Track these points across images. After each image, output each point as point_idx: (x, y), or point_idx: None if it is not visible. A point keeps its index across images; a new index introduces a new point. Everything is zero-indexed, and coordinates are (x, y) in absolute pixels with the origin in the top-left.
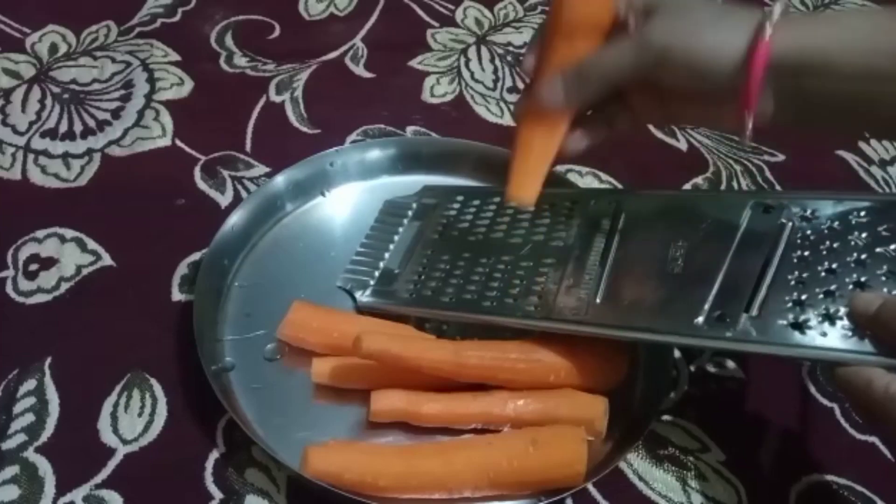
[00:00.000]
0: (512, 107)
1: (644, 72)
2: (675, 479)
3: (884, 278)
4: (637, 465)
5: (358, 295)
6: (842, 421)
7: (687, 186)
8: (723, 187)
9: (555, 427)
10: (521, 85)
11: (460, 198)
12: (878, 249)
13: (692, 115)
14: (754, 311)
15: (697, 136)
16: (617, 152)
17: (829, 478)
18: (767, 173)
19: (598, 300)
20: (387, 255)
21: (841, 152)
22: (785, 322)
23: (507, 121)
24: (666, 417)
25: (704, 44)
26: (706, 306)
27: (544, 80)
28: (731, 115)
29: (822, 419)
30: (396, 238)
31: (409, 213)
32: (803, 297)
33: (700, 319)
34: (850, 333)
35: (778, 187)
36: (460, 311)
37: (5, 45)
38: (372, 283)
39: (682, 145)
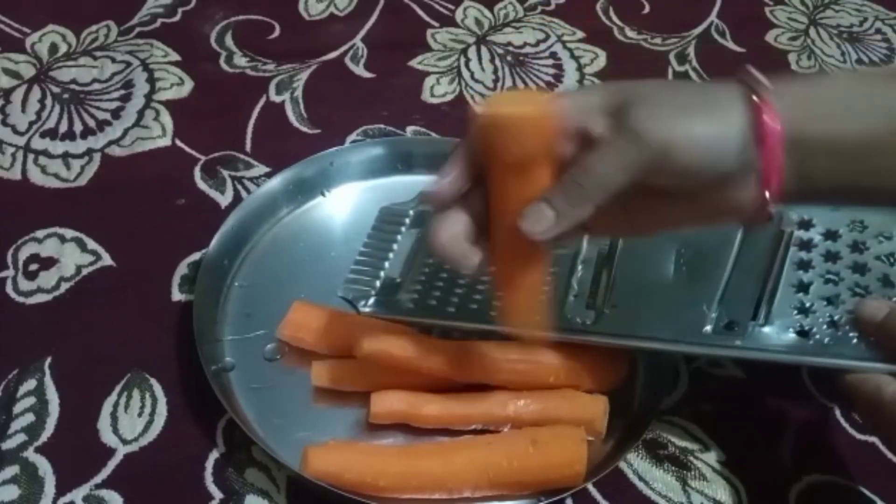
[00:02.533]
0: None
1: (643, 172)
2: (675, 479)
3: (883, 285)
4: (637, 465)
5: (360, 305)
6: (842, 421)
7: None
8: None
9: (555, 427)
10: (520, 85)
11: None
12: (876, 256)
13: (667, 219)
14: (761, 320)
15: None
16: None
17: (829, 478)
18: None
19: (604, 309)
20: (387, 263)
21: None
22: (791, 330)
23: None
24: (666, 417)
25: (705, 129)
26: (713, 314)
27: (522, 211)
28: (723, 207)
29: (822, 419)
30: (395, 246)
31: (407, 220)
32: (807, 304)
33: (708, 328)
34: (855, 340)
35: None
36: (467, 320)
37: (5, 45)
38: (374, 293)
39: None
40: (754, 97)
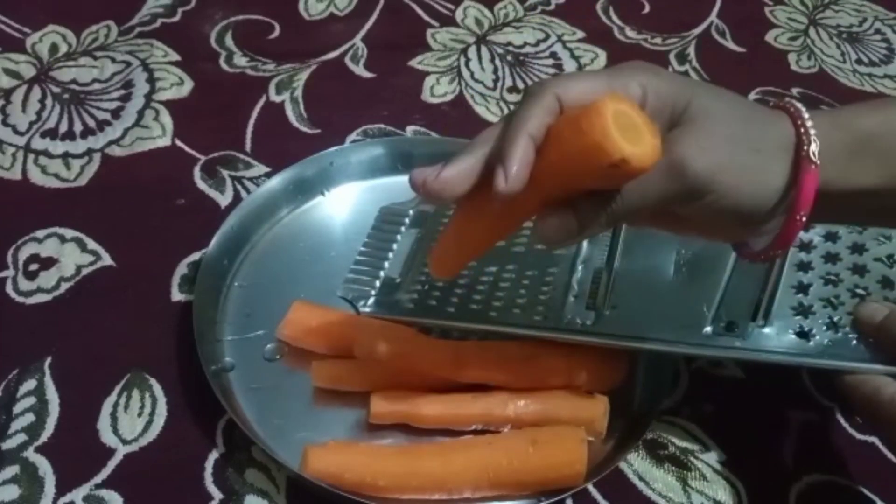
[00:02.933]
0: (512, 107)
1: (677, 201)
2: (675, 479)
3: (882, 287)
4: (637, 465)
5: (360, 305)
6: (842, 421)
7: None
8: None
9: (555, 427)
10: (520, 84)
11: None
12: (874, 257)
13: (703, 232)
14: (761, 321)
15: None
16: None
17: (829, 478)
18: None
19: (604, 309)
20: (386, 263)
21: None
22: (791, 331)
23: None
24: (666, 417)
25: (752, 183)
26: (713, 315)
27: (546, 210)
28: (757, 234)
29: (822, 419)
30: (395, 246)
31: (407, 220)
32: (807, 305)
33: (708, 329)
34: (855, 342)
35: None
36: (466, 321)
37: (5, 45)
38: (373, 293)
39: None
40: (810, 153)
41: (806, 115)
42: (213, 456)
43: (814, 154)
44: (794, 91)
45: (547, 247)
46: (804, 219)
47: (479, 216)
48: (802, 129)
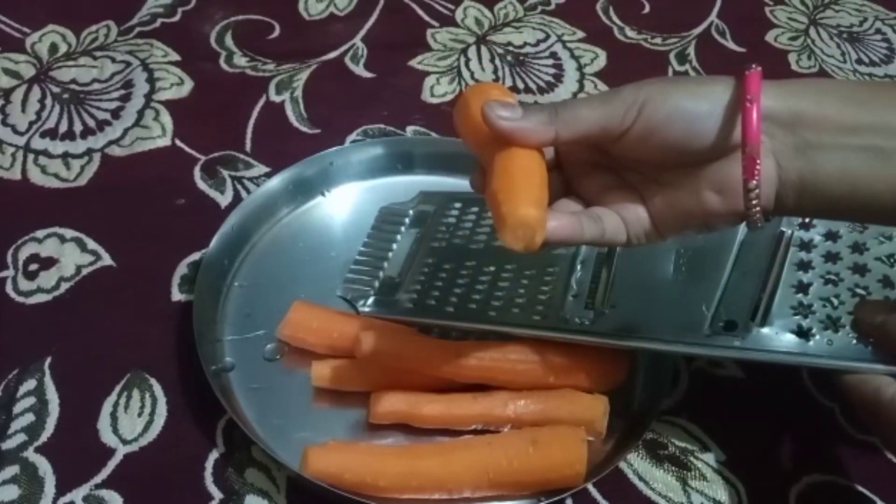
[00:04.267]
0: None
1: (611, 125)
2: (675, 479)
3: (883, 286)
4: (637, 465)
5: (359, 305)
6: (842, 421)
7: None
8: None
9: (555, 427)
10: (521, 85)
11: (458, 204)
12: (875, 256)
13: (682, 209)
14: (760, 320)
15: None
16: None
17: (829, 478)
18: None
19: (604, 309)
20: (386, 263)
21: None
22: (790, 330)
23: None
24: (666, 417)
25: (684, 90)
26: (712, 315)
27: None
28: (730, 190)
29: (821, 419)
30: (395, 246)
31: (407, 220)
32: (806, 304)
33: (707, 328)
34: (855, 342)
35: None
36: (465, 320)
37: (5, 45)
38: (372, 292)
39: None
40: (746, 72)
41: (752, 66)
42: (213, 456)
43: (752, 97)
44: None
45: (493, 118)
46: (757, 103)
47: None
48: (745, 75)
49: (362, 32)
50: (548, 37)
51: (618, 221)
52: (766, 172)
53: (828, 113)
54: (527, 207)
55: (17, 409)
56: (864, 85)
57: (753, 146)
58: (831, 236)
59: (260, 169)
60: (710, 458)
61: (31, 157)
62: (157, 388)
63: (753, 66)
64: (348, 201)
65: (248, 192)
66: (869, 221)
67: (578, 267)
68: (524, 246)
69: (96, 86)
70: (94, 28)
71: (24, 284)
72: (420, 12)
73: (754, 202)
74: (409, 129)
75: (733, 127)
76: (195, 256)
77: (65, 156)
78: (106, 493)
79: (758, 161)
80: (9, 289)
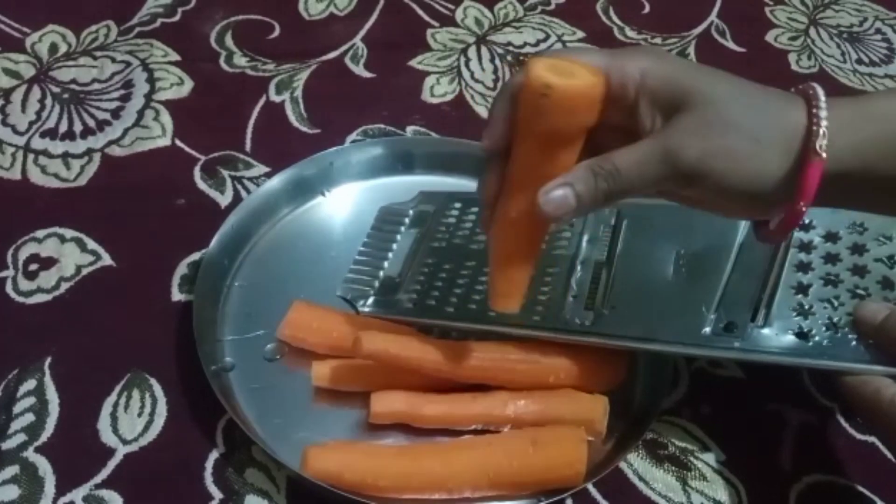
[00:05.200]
0: None
1: (670, 189)
2: (675, 479)
3: (882, 287)
4: (637, 465)
5: (359, 305)
6: (842, 421)
7: None
8: None
9: (555, 427)
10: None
11: (458, 204)
12: (875, 258)
13: (707, 208)
14: (760, 321)
15: None
16: None
17: (829, 478)
18: None
19: (604, 309)
20: (386, 263)
21: None
22: (790, 331)
23: None
24: (666, 417)
25: (746, 171)
26: (712, 316)
27: (544, 189)
28: (761, 216)
29: (822, 419)
30: (395, 246)
31: (406, 220)
32: (806, 305)
33: (707, 330)
34: (854, 343)
35: None
36: (465, 321)
37: (5, 45)
38: (372, 292)
39: None
40: (817, 145)
41: (823, 104)
42: (213, 456)
43: (820, 147)
44: None
45: (549, 219)
46: (805, 209)
47: (510, 224)
48: (815, 120)
49: (362, 32)
50: (548, 37)
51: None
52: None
53: (881, 174)
54: (505, 302)
55: (17, 409)
56: None
57: (787, 230)
58: (831, 237)
59: (260, 169)
60: (710, 458)
61: (31, 157)
62: (157, 388)
63: (817, 142)
64: (348, 201)
65: (248, 192)
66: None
67: (578, 267)
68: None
69: (96, 86)
70: (94, 28)
71: (24, 284)
72: (420, 12)
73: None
74: (409, 129)
75: (786, 194)
76: (195, 256)
77: (65, 156)
78: (106, 493)
79: (783, 238)
80: (9, 289)
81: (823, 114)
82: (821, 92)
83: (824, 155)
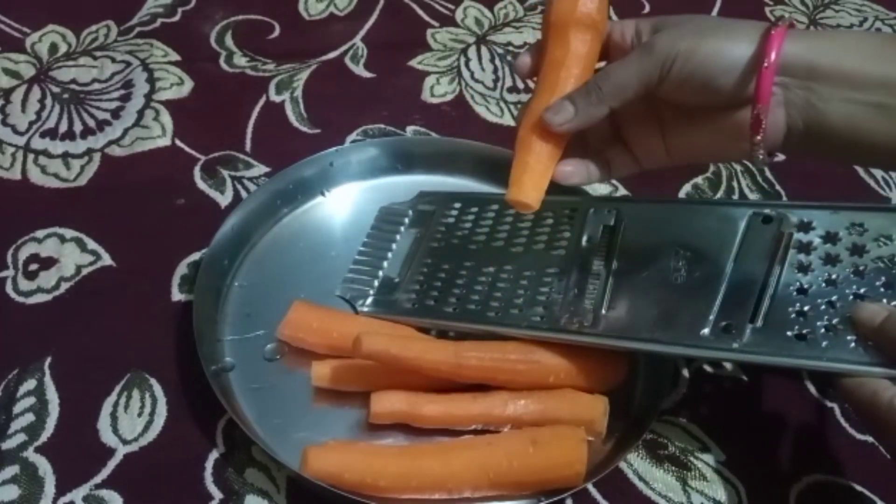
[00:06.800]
0: (512, 107)
1: (650, 82)
2: (675, 479)
3: (882, 289)
4: (637, 465)
5: (358, 305)
6: (842, 421)
7: (687, 186)
8: (723, 187)
9: (555, 427)
10: (521, 85)
11: (458, 204)
12: (875, 260)
13: (699, 144)
14: (759, 323)
15: None
16: None
17: (829, 478)
18: (767, 173)
19: (603, 310)
20: (385, 263)
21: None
22: (789, 333)
23: (508, 121)
24: (666, 417)
25: (710, 46)
26: (711, 317)
27: (550, 102)
28: (741, 135)
29: (821, 419)
30: (394, 246)
31: (406, 220)
32: (806, 307)
33: (706, 331)
34: (853, 344)
35: (778, 187)
36: (464, 321)
37: (5, 45)
38: (372, 292)
39: None
40: (778, 23)
41: (788, 18)
42: (213, 456)
43: (781, 25)
44: None
45: (556, 130)
46: (771, 71)
47: (538, 127)
48: (780, 20)
49: (362, 32)
50: None
51: (627, 159)
52: (775, 121)
53: (844, 69)
54: (527, 192)
55: (17, 409)
56: (890, 40)
57: (762, 108)
58: (830, 238)
59: (260, 169)
60: (710, 458)
61: (31, 157)
62: (157, 388)
63: (782, 21)
64: (348, 201)
65: (248, 192)
66: (863, 165)
67: (577, 267)
68: (521, 209)
69: (96, 86)
70: (94, 28)
71: (24, 284)
72: (420, 12)
73: (759, 149)
74: (409, 129)
75: (751, 81)
76: (195, 256)
77: (65, 156)
78: (106, 493)
79: (763, 120)
80: (9, 289)
81: (776, 31)
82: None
83: (784, 25)
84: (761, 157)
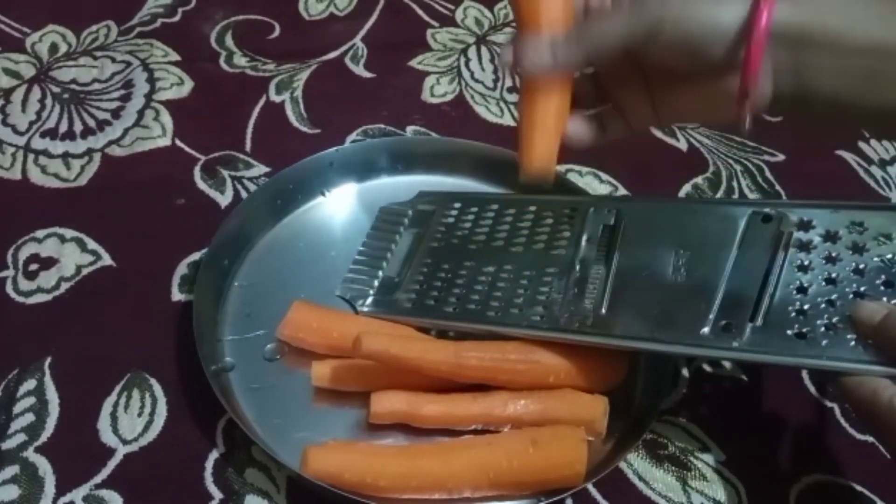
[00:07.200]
0: (512, 107)
1: (635, 42)
2: (675, 479)
3: (882, 287)
4: (637, 465)
5: (358, 305)
6: (842, 421)
7: (687, 186)
8: (723, 187)
9: (555, 427)
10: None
11: (458, 204)
12: (875, 259)
13: (686, 108)
14: (759, 321)
15: (697, 135)
16: (617, 152)
17: (829, 478)
18: (767, 173)
19: (602, 310)
20: (385, 263)
21: (841, 152)
22: (789, 332)
23: (508, 121)
24: (666, 417)
25: (701, 12)
26: (711, 316)
27: (529, 42)
28: (729, 100)
29: (822, 419)
30: (394, 246)
31: (406, 220)
32: (806, 306)
33: (706, 330)
34: (853, 343)
35: (778, 187)
36: (464, 321)
37: (5, 45)
38: (372, 292)
39: (682, 145)
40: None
41: None
42: (213, 456)
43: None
44: None
45: (529, 69)
46: (761, 44)
47: (539, 89)
48: None
49: (362, 32)
50: None
51: (619, 122)
52: (763, 88)
53: (833, 34)
54: (539, 162)
55: (17, 409)
56: (882, 2)
57: (750, 77)
58: (830, 237)
59: (260, 169)
60: (710, 458)
61: (31, 157)
62: (157, 388)
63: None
64: (348, 201)
65: (248, 191)
66: (847, 129)
67: (577, 267)
68: (536, 182)
69: (96, 86)
70: (94, 28)
71: (24, 284)
72: (420, 12)
73: (745, 118)
74: (409, 129)
75: (740, 49)
76: (195, 256)
77: (65, 156)
78: (106, 493)
79: (752, 91)
80: (9, 289)
81: (764, 3)
82: None
83: (759, 41)
84: (747, 124)
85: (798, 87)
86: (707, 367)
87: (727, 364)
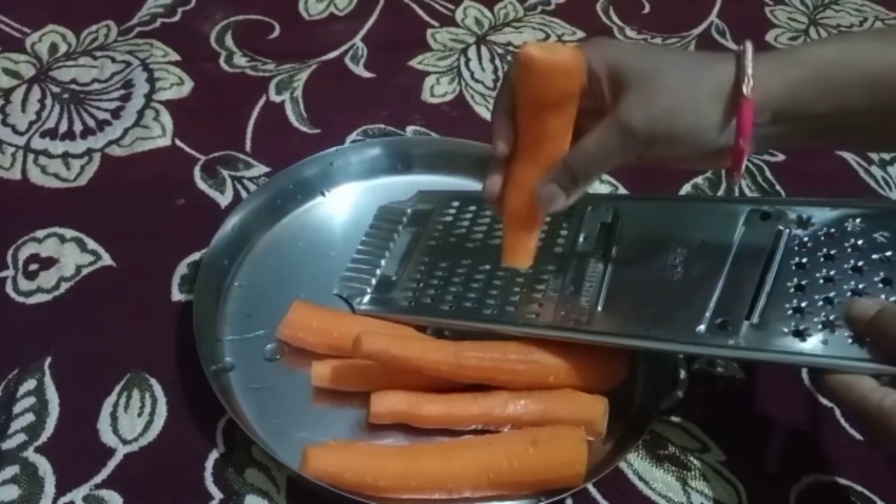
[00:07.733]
0: None
1: (631, 156)
2: (675, 479)
3: (880, 285)
4: (637, 465)
5: (355, 303)
6: (842, 421)
7: (686, 186)
8: (723, 187)
9: (555, 427)
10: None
11: (456, 203)
12: (874, 256)
13: (672, 164)
14: (755, 319)
15: None
16: None
17: (829, 478)
18: (767, 173)
19: (599, 308)
20: (383, 261)
21: (840, 152)
22: (786, 330)
23: None
24: (666, 417)
25: (687, 125)
26: (707, 314)
27: (537, 191)
28: (715, 157)
29: (822, 419)
30: (392, 245)
31: (405, 218)
32: (803, 304)
33: (702, 327)
34: (850, 341)
35: (778, 187)
36: (460, 319)
37: (5, 45)
38: (369, 290)
39: None
40: (743, 87)
41: (749, 56)
42: (213, 456)
43: (748, 91)
44: None
45: (548, 209)
46: (745, 146)
47: (520, 189)
48: (743, 69)
49: (362, 32)
50: (548, 37)
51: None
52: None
53: (812, 112)
54: (518, 262)
55: (17, 409)
56: (835, 68)
57: (739, 162)
58: (829, 235)
59: (260, 169)
60: (710, 458)
61: (31, 157)
62: (157, 388)
63: (745, 87)
64: (348, 201)
65: (248, 192)
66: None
67: (574, 266)
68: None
69: (96, 86)
70: (94, 28)
71: (24, 284)
72: (420, 12)
73: (734, 184)
74: (409, 129)
75: (728, 138)
76: (195, 256)
77: (65, 156)
78: (106, 493)
79: (739, 175)
80: (9, 289)
81: (749, 63)
82: (750, 47)
83: (752, 96)
84: (735, 182)
85: (775, 146)
86: (707, 367)
87: (720, 366)
